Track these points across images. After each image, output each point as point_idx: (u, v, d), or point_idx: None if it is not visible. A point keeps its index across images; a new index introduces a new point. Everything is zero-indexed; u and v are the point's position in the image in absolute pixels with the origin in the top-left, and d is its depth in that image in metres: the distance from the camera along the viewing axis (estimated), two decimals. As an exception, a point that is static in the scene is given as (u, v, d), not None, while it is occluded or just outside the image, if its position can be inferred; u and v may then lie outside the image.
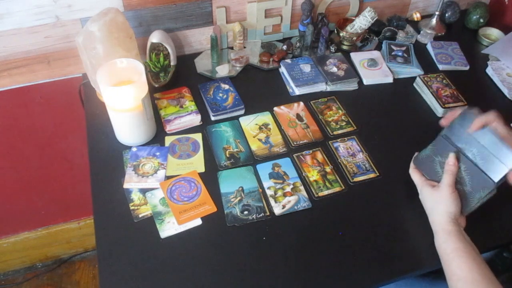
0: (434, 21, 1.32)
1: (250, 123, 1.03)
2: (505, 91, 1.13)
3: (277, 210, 0.86)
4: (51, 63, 1.10)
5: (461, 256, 0.71)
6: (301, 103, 1.09)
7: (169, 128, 1.00)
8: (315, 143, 1.00)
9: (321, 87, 1.12)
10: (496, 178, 0.75)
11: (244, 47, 1.22)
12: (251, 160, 0.95)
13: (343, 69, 1.15)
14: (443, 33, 1.32)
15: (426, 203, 0.82)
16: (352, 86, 1.14)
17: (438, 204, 0.78)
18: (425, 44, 1.29)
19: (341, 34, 1.23)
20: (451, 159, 0.79)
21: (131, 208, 0.85)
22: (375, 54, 1.22)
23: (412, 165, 0.87)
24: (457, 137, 0.80)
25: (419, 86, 1.14)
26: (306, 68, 1.15)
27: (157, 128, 1.00)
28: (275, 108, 1.07)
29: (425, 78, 1.14)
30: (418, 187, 0.84)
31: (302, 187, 0.90)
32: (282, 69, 1.17)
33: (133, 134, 0.95)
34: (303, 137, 1.00)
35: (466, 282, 0.69)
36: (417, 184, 0.85)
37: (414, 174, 0.86)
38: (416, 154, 0.87)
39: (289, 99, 1.10)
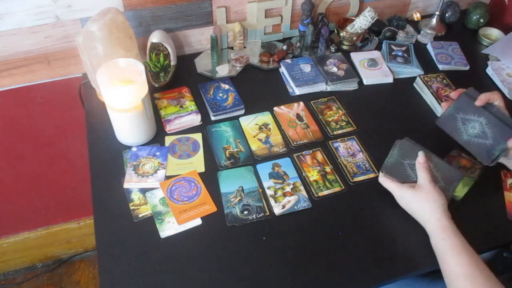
0: (434, 21, 1.32)
1: (250, 123, 1.03)
2: (505, 91, 1.13)
3: (277, 210, 0.86)
4: (51, 63, 1.10)
5: (459, 253, 0.72)
6: (301, 103, 1.09)
7: (169, 128, 1.00)
8: (315, 143, 1.00)
9: (321, 87, 1.12)
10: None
11: (244, 47, 1.22)
12: (251, 160, 0.95)
13: (343, 69, 1.15)
14: (443, 33, 1.32)
15: (411, 205, 0.81)
16: (352, 86, 1.14)
17: (426, 202, 0.78)
18: (425, 44, 1.29)
19: (341, 34, 1.23)
20: (421, 157, 0.81)
21: (131, 208, 0.85)
22: (375, 54, 1.22)
23: (381, 173, 0.87)
24: (464, 110, 0.86)
25: (419, 86, 1.14)
26: (306, 68, 1.15)
27: (157, 128, 1.00)
28: (275, 108, 1.07)
29: (425, 78, 1.14)
30: (395, 193, 0.84)
31: (302, 187, 0.90)
32: (282, 69, 1.17)
33: (133, 134, 0.95)
34: (303, 137, 1.00)
35: (466, 279, 0.69)
36: (394, 191, 0.84)
37: (386, 181, 0.85)
38: (384, 163, 0.87)
39: (289, 99, 1.10)
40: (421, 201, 0.79)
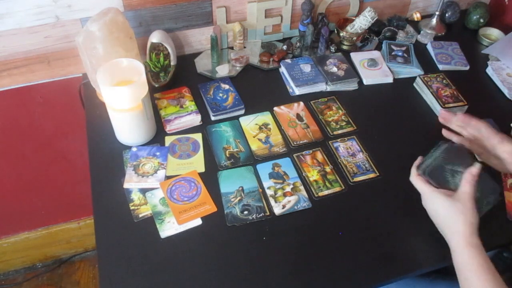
0: (434, 21, 1.32)
1: (250, 123, 1.03)
2: (505, 91, 1.13)
3: (277, 210, 0.86)
4: (51, 63, 1.10)
5: (486, 273, 0.69)
6: (301, 103, 1.09)
7: (169, 128, 1.00)
8: (315, 143, 1.00)
9: (321, 87, 1.12)
10: None
11: (244, 47, 1.22)
12: (251, 160, 0.95)
13: (343, 69, 1.15)
14: (443, 33, 1.32)
15: (440, 212, 0.76)
16: (352, 86, 1.14)
17: (459, 214, 0.73)
18: (425, 44, 1.29)
19: (341, 34, 1.23)
20: (475, 169, 0.75)
21: (131, 208, 0.85)
22: (375, 54, 1.22)
23: (414, 172, 0.82)
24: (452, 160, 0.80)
25: (419, 86, 1.14)
26: (306, 68, 1.15)
27: (157, 128, 1.00)
28: (275, 108, 1.07)
29: (425, 78, 1.14)
30: (426, 195, 0.79)
31: (302, 187, 0.90)
32: (282, 69, 1.17)
33: (133, 134, 0.95)
34: (303, 137, 1.00)
35: None
36: (425, 193, 0.79)
37: (418, 182, 0.80)
38: (418, 161, 0.83)
39: (289, 99, 1.10)
40: (453, 211, 0.74)
